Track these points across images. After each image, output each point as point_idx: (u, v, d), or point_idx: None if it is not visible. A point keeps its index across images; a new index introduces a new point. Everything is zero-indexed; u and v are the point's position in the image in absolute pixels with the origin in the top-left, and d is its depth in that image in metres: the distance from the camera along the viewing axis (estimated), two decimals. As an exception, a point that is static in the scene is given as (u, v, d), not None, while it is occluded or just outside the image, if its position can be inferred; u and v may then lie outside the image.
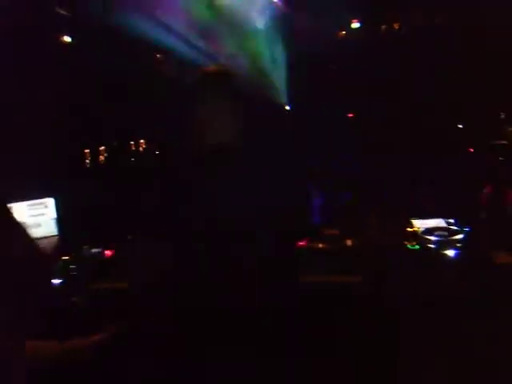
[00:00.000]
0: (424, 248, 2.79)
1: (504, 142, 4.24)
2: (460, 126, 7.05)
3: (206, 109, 2.42)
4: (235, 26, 6.76)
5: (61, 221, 3.53)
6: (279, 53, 7.43)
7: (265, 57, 7.29)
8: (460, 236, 2.82)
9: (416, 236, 2.87)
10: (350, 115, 9.04)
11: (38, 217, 3.50)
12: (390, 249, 2.76)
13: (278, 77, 7.71)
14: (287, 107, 8.62)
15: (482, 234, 2.82)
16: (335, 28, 8.79)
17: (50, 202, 3.57)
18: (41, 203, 3.53)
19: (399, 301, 2.60)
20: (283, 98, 8.11)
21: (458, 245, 2.75)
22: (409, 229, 2.94)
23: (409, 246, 2.79)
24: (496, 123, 6.23)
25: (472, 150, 5.13)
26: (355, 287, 2.62)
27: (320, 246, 2.94)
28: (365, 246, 2.82)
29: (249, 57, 7.08)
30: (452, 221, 3.01)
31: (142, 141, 8.05)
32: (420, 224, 3.01)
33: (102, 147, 7.68)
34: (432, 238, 2.83)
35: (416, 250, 2.78)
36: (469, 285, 2.54)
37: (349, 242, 2.92)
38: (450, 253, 2.73)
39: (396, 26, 9.11)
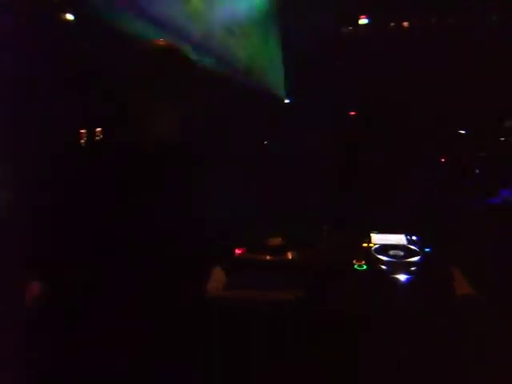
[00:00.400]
0: (372, 269, 2.43)
1: (483, 154, 3.89)
2: (462, 132, 6.72)
3: (150, 92, 2.10)
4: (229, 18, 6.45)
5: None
6: (278, 44, 7.10)
7: (261, 48, 6.96)
8: (416, 258, 2.47)
9: (367, 254, 2.51)
10: (352, 113, 8.74)
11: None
12: (338, 266, 2.43)
13: (276, 68, 7.39)
14: (286, 100, 8.33)
15: (443, 258, 2.46)
16: (342, 23, 8.53)
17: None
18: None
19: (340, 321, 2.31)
20: (280, 90, 7.78)
21: (412, 269, 2.41)
22: (364, 244, 2.60)
23: (356, 266, 2.44)
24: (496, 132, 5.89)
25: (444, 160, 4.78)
26: (289, 305, 2.30)
27: (262, 257, 2.63)
28: (311, 261, 2.49)
29: (242, 47, 6.77)
30: (415, 238, 2.66)
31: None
32: (378, 239, 2.66)
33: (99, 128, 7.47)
34: (384, 258, 2.48)
35: (362, 270, 2.42)
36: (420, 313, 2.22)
37: (290, 255, 2.61)
38: (402, 277, 2.38)
39: (405, 25, 8.82)
